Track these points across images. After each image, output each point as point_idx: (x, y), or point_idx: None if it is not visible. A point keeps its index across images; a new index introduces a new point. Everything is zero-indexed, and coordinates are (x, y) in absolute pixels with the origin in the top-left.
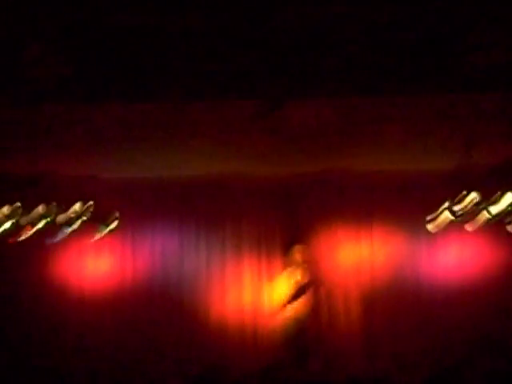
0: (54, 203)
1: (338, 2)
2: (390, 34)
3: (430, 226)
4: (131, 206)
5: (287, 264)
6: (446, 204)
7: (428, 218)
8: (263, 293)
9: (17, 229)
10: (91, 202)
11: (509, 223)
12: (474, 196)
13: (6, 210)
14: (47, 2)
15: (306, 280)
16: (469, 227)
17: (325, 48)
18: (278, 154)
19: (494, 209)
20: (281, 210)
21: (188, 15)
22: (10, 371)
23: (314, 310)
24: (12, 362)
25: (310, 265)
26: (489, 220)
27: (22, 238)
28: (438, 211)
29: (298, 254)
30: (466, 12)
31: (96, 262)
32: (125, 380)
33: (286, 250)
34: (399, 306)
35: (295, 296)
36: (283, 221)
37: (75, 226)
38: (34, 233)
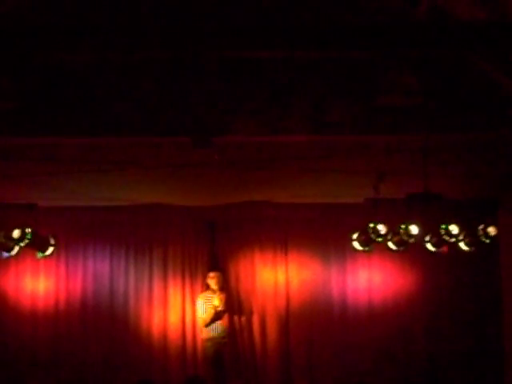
0: None
1: (263, 47)
2: (310, 79)
3: (355, 244)
4: (66, 233)
5: (205, 289)
6: (355, 235)
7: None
8: (186, 313)
9: None
10: (31, 228)
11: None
12: (380, 227)
13: None
14: None
15: (221, 305)
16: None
17: (251, 89)
18: (203, 186)
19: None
20: (203, 237)
21: (124, 54)
22: None
23: (232, 333)
24: None
25: (225, 290)
26: (393, 250)
27: None
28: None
29: (213, 280)
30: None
31: (33, 284)
32: None
33: (206, 275)
34: (313, 329)
35: (212, 320)
36: (205, 248)
37: (14, 251)
38: None
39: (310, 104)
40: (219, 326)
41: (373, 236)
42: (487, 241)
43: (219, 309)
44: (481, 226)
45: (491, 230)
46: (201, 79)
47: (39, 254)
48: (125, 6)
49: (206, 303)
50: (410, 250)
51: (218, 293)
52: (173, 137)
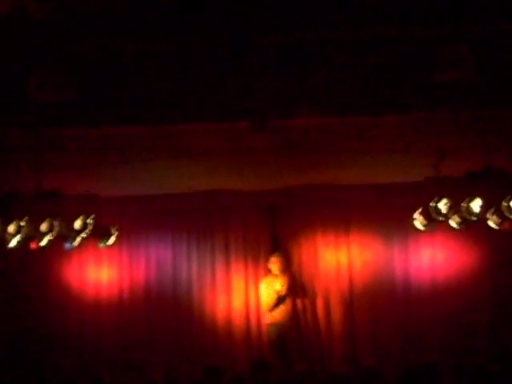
0: (59, 219)
1: (320, 28)
2: (367, 59)
3: (416, 223)
4: (128, 222)
5: (267, 273)
6: (416, 214)
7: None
8: (249, 298)
9: (24, 242)
10: (92, 218)
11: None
12: (444, 202)
13: (14, 225)
14: (51, 29)
15: (284, 289)
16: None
17: (308, 70)
18: (262, 171)
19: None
20: (264, 222)
21: (179, 42)
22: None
23: (295, 317)
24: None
25: (287, 274)
26: (459, 224)
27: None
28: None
29: (275, 264)
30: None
31: (97, 272)
32: (123, 381)
33: (268, 259)
34: (377, 309)
35: (275, 304)
36: (267, 232)
37: (78, 239)
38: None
39: (366, 84)
40: (282, 310)
41: (434, 215)
42: None
43: (281, 293)
44: None
45: None
46: (259, 64)
47: (101, 244)
48: None
49: (269, 287)
50: (472, 227)
51: (280, 277)
52: (230, 122)
